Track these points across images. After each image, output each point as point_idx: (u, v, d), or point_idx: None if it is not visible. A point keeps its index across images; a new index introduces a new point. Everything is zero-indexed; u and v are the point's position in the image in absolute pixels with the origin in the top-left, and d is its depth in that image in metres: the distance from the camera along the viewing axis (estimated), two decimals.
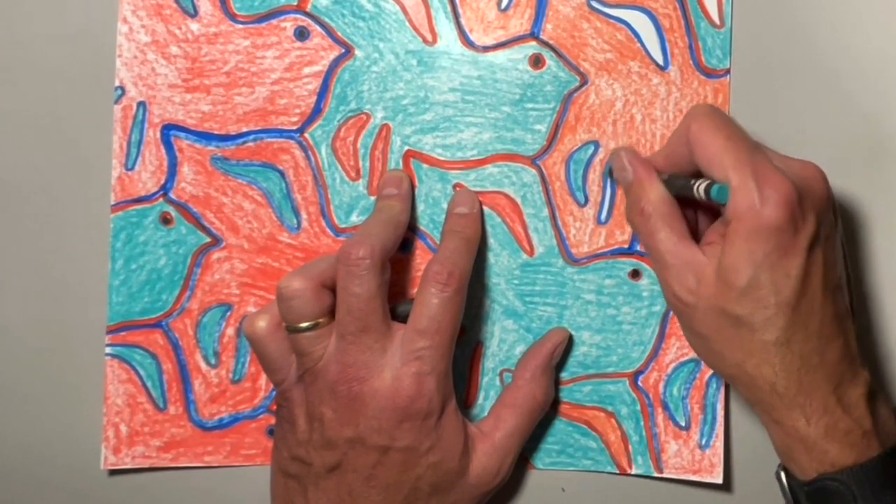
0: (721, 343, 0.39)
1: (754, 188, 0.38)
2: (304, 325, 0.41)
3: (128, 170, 0.45)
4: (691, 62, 0.45)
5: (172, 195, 0.45)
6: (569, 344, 0.47)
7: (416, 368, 0.41)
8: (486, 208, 0.46)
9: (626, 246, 0.46)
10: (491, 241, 0.46)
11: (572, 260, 0.46)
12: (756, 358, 0.39)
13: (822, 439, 0.38)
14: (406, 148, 0.46)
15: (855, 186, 0.46)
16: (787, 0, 0.46)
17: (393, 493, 0.42)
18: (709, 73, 0.45)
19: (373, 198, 0.46)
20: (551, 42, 0.46)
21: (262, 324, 0.43)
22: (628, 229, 0.46)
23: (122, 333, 0.46)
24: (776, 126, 0.46)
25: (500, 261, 0.46)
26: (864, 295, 0.47)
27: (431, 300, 0.41)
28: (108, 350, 0.46)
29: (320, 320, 0.41)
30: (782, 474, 0.41)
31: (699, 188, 0.40)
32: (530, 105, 0.46)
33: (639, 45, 0.45)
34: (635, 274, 0.46)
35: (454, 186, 0.46)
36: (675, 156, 0.42)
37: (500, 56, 0.46)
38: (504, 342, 0.47)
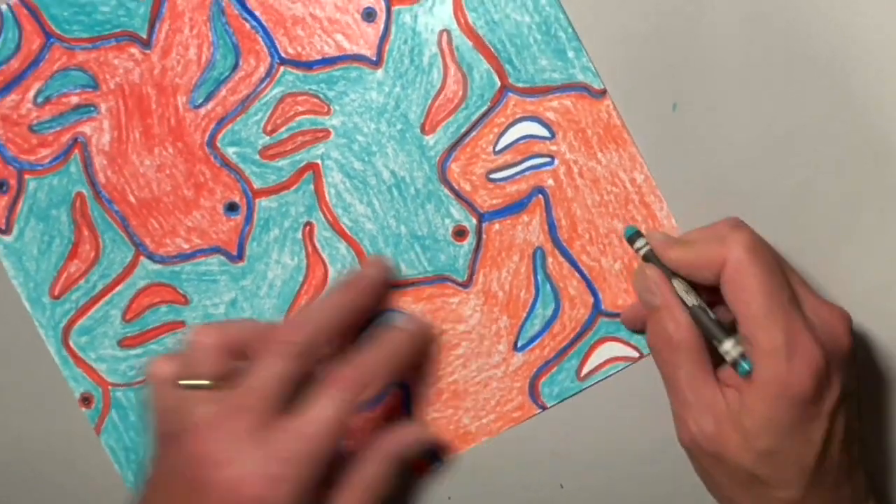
0: (734, 490, 0.39)
1: (784, 357, 0.36)
2: (193, 382, 0.38)
3: None
4: None
5: None
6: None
7: (276, 469, 0.36)
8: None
9: None
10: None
11: None
12: None
13: None
14: (318, 161, 0.45)
15: (855, 186, 0.44)
16: None
17: None
18: None
19: (258, 158, 0.45)
20: (483, 243, 0.45)
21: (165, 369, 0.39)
22: None
23: (23, 9, 0.46)
24: (775, 123, 0.44)
25: None
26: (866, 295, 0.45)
27: (328, 403, 0.37)
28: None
29: (208, 382, 0.38)
30: None
31: (727, 354, 0.38)
32: (418, 249, 0.45)
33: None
34: None
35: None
36: (698, 271, 0.38)
37: (447, 198, 0.45)
38: None
